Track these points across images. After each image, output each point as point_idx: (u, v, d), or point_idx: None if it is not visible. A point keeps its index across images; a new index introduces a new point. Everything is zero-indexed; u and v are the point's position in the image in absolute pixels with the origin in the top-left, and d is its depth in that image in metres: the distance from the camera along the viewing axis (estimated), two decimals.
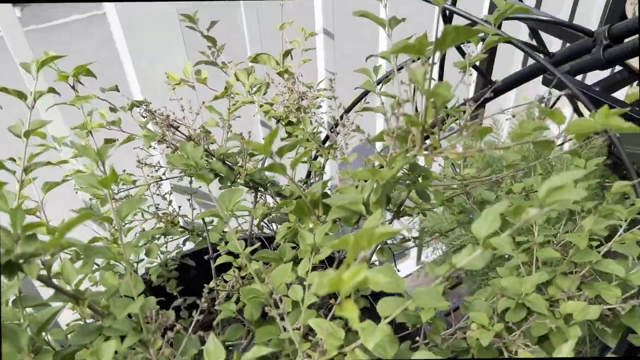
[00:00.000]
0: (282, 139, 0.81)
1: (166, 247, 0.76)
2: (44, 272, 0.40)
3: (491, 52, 1.00)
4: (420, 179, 0.53)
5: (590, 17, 1.54)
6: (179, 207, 0.75)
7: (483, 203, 0.66)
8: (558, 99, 1.54)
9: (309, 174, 0.85)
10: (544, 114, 0.42)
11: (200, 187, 0.74)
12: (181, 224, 0.71)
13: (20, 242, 0.35)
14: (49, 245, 0.32)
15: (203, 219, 0.71)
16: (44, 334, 0.45)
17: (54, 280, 0.42)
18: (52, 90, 0.53)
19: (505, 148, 0.43)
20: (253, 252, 0.56)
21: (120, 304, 0.41)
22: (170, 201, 0.70)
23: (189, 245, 0.82)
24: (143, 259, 0.82)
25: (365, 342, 0.39)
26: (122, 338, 0.45)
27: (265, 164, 0.80)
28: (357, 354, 0.42)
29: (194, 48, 0.90)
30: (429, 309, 0.59)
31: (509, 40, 0.58)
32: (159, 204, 0.70)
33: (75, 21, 4.18)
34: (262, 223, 0.80)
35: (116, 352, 0.48)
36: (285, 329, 0.47)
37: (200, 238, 0.72)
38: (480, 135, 0.44)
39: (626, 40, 0.60)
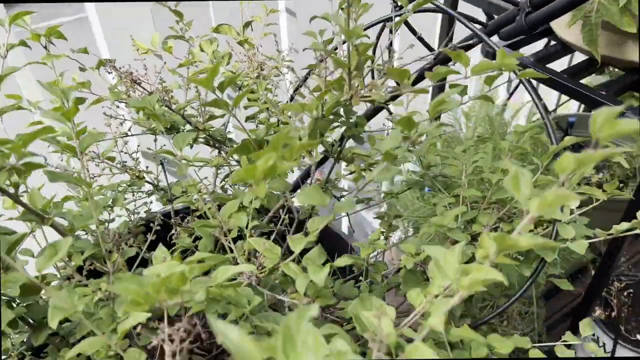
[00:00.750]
0: (245, 107, 0.87)
1: (134, 204, 0.81)
2: (11, 190, 0.46)
3: (449, 27, 1.08)
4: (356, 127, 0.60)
5: None
6: (147, 167, 0.81)
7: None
8: (518, 85, 1.63)
9: None
10: (451, 56, 0.48)
11: (164, 145, 0.79)
12: (147, 179, 0.76)
13: None
14: (13, 150, 0.37)
15: (166, 178, 0.77)
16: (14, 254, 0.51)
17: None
18: (23, 42, 0.59)
19: (422, 91, 0.49)
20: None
21: (80, 218, 0.46)
22: (137, 158, 0.75)
23: (158, 207, 0.88)
24: (113, 219, 0.87)
25: (293, 248, 0.45)
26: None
27: (228, 125, 0.86)
28: (290, 266, 0.48)
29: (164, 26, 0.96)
30: (368, 247, 0.66)
31: (438, 6, 0.65)
32: (125, 161, 0.75)
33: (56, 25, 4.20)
34: (226, 186, 0.86)
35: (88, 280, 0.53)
36: (231, 250, 0.52)
37: (166, 193, 0.77)
38: (399, 78, 0.50)
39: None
